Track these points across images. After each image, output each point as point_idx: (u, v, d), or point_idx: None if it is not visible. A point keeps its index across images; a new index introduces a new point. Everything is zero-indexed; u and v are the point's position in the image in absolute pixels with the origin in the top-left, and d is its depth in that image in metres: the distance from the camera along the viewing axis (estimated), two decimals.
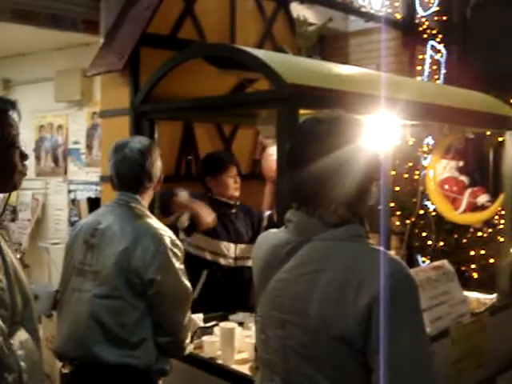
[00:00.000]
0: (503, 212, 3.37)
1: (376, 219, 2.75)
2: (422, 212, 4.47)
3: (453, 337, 2.38)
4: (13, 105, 1.58)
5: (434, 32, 5.64)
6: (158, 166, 2.24)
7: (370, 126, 1.45)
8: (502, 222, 3.76)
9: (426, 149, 4.60)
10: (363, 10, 5.24)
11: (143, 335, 2.07)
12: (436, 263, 2.61)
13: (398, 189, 4.70)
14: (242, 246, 3.14)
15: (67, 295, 2.19)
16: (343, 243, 1.36)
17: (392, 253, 1.54)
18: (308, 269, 1.36)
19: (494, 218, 4.28)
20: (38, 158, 6.05)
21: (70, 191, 5.73)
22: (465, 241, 4.73)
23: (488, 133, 4.33)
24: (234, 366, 2.29)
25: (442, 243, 4.71)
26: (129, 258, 2.05)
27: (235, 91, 3.44)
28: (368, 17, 5.30)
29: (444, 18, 5.77)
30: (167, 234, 2.14)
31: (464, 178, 3.83)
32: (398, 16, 5.61)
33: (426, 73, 5.58)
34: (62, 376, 2.24)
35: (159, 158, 2.26)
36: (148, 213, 2.23)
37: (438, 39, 5.64)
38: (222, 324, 2.48)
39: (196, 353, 2.36)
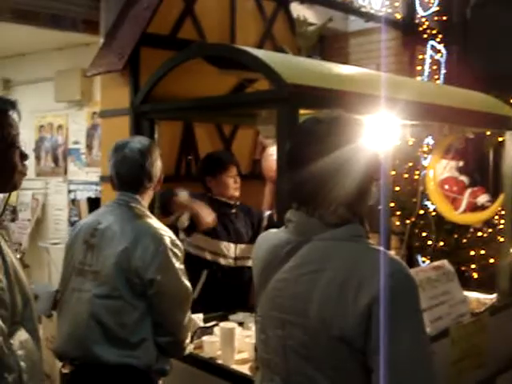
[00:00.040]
0: (503, 212, 3.37)
1: (376, 219, 2.75)
2: (422, 212, 4.47)
3: (453, 337, 2.38)
4: (13, 105, 1.58)
5: (434, 32, 5.64)
6: (158, 166, 2.24)
7: (370, 126, 1.45)
8: (502, 222, 3.76)
9: (426, 149, 4.60)
10: (363, 10, 5.24)
11: (143, 335, 2.07)
12: (436, 263, 2.61)
13: (398, 189, 4.70)
14: (242, 246, 3.14)
15: (67, 295, 2.19)
16: (343, 243, 1.36)
17: (392, 253, 1.54)
18: (308, 269, 1.36)
19: (493, 218, 4.28)
20: (37, 158, 6.05)
21: (69, 191, 5.73)
22: (465, 241, 4.73)
23: (488, 133, 4.33)
24: (234, 366, 2.29)
25: (442, 243, 4.71)
26: (129, 257, 2.05)
27: (235, 91, 3.44)
28: (368, 17, 5.30)
29: (444, 18, 5.77)
30: (167, 234, 2.13)
31: (464, 178, 3.84)
32: (398, 16, 5.62)
33: (426, 73, 5.58)
34: (61, 376, 2.24)
35: (159, 158, 2.26)
36: (148, 213, 2.23)
37: (438, 39, 5.64)
38: (222, 324, 2.48)
39: (196, 353, 2.36)
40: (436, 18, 5.73)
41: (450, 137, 3.42)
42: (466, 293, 2.76)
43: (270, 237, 1.55)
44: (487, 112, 3.00)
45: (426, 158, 4.36)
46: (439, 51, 5.64)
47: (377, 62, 5.27)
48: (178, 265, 2.11)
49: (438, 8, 5.70)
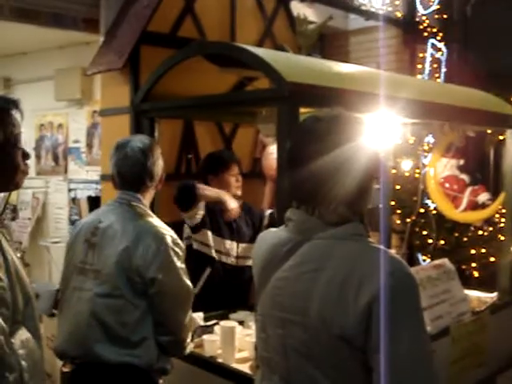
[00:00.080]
0: (504, 210, 3.37)
1: (376, 218, 2.75)
2: (422, 210, 4.46)
3: (453, 335, 2.38)
4: (15, 104, 1.58)
5: (435, 30, 5.63)
6: (159, 165, 2.24)
7: (371, 125, 1.45)
8: (503, 220, 3.76)
9: (426, 147, 4.60)
10: (363, 8, 5.23)
11: (144, 334, 2.07)
12: (436, 262, 2.61)
13: (398, 187, 4.70)
14: (244, 244, 3.15)
15: (68, 294, 2.19)
16: (343, 242, 1.36)
17: (392, 251, 1.55)
18: (308, 267, 1.36)
19: (494, 216, 4.28)
20: (38, 156, 6.05)
21: (70, 190, 5.73)
22: (465, 239, 4.73)
23: (489, 131, 4.33)
24: (235, 365, 2.29)
25: (442, 242, 4.71)
26: (130, 256, 2.05)
27: (235, 89, 3.43)
28: (368, 15, 5.29)
29: (444, 16, 5.76)
30: (168, 233, 2.13)
31: (464, 177, 3.84)
32: (399, 14, 5.60)
33: (427, 71, 5.56)
34: (62, 375, 2.24)
35: (161, 156, 2.26)
36: (149, 212, 2.23)
37: (438, 37, 5.63)
38: (223, 323, 2.48)
39: (196, 352, 2.36)
40: (436, 16, 5.72)
41: (451, 135, 3.41)
42: (467, 291, 2.75)
43: (270, 235, 1.55)
44: (488, 110, 3.00)
45: (426, 157, 4.36)
46: (440, 49, 5.63)
47: (377, 61, 5.26)
48: (180, 264, 2.11)
49: (438, 6, 5.69)
